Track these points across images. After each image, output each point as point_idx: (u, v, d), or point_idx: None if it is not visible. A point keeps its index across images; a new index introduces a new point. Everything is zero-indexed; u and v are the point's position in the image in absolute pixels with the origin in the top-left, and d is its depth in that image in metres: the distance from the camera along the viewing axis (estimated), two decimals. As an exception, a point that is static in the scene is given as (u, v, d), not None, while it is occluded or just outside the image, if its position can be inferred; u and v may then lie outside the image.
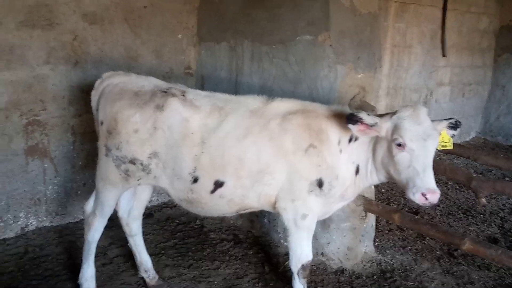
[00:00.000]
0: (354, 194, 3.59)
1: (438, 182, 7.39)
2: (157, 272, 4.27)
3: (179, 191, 3.47)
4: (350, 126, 3.12)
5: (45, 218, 4.97)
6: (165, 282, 4.14)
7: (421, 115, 3.08)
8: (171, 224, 5.31)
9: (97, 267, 4.29)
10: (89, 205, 3.78)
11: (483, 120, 10.73)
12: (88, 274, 3.86)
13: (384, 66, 8.00)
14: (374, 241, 5.19)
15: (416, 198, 3.01)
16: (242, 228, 5.31)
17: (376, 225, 5.43)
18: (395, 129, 3.09)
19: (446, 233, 3.98)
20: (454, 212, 6.28)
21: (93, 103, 3.66)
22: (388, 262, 4.84)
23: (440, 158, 4.11)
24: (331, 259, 4.66)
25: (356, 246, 4.75)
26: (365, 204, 4.66)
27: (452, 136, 3.33)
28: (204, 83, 5.79)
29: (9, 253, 4.51)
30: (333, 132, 3.34)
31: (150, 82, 3.61)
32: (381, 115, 3.24)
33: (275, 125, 3.35)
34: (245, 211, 3.67)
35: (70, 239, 4.81)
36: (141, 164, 3.45)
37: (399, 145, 3.06)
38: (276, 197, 3.41)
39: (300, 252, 3.49)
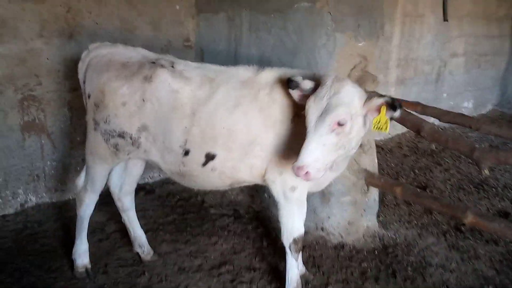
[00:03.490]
0: (343, 165, 3.44)
1: (450, 155, 7.19)
2: (154, 247, 4.23)
3: (170, 164, 3.39)
4: (291, 91, 2.99)
5: (44, 195, 4.95)
6: (160, 258, 4.10)
7: (333, 87, 2.85)
8: (171, 199, 5.25)
9: (93, 242, 4.30)
10: (80, 180, 3.73)
11: (500, 92, 10.39)
12: (81, 249, 3.83)
13: (394, 37, 7.73)
14: (378, 215, 5.06)
15: (292, 168, 2.82)
16: (242, 203, 5.22)
17: (382, 200, 5.30)
18: None
19: (449, 206, 3.84)
20: (465, 186, 6.09)
21: (80, 76, 3.56)
22: (391, 237, 4.71)
23: (442, 129, 3.93)
24: (331, 234, 4.55)
25: (357, 221, 4.63)
26: (367, 177, 4.52)
27: (391, 119, 3.01)
28: (203, 55, 5.65)
29: (8, 229, 4.50)
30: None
31: (138, 53, 3.50)
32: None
33: (264, 95, 3.22)
34: (240, 185, 3.58)
35: (69, 215, 4.77)
36: (130, 138, 3.37)
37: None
38: (265, 170, 3.30)
39: (291, 225, 3.39)
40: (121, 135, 3.37)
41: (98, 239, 4.37)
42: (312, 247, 4.41)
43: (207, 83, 3.29)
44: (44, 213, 4.81)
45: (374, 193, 4.78)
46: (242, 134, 3.22)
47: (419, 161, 7.03)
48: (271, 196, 3.34)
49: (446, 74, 8.94)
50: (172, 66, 3.35)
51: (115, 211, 4.72)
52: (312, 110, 2.83)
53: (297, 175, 2.77)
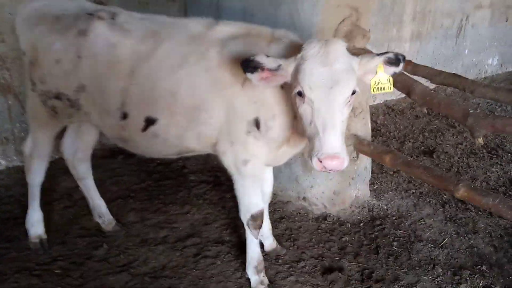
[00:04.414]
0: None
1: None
2: (121, 216, 3.97)
3: (110, 128, 3.07)
4: (249, 75, 2.52)
5: (14, 158, 4.70)
6: (123, 228, 3.83)
7: (332, 53, 2.42)
8: (150, 164, 4.93)
9: (59, 209, 4.10)
10: (27, 146, 3.43)
11: (530, 48, 9.57)
12: (34, 218, 3.58)
13: (409, -14, 7.07)
14: (373, 183, 4.66)
15: (313, 163, 2.41)
16: (225, 170, 4.84)
17: (381, 166, 4.87)
18: (296, 72, 2.48)
19: (440, 178, 3.38)
20: (477, 151, 5.56)
21: (17, 31, 3.20)
22: (382, 207, 4.31)
23: (434, 91, 3.45)
24: (313, 204, 4.18)
25: (344, 190, 4.23)
26: (356, 143, 4.10)
27: (393, 74, 2.63)
28: (186, 9, 5.21)
29: None
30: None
31: (76, 5, 3.10)
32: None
33: (214, 54, 2.81)
34: (191, 154, 3.23)
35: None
36: (68, 100, 3.03)
37: (299, 94, 2.46)
38: (216, 139, 2.93)
39: (248, 201, 3.03)
40: (58, 97, 3.04)
41: (64, 206, 4.13)
42: (292, 218, 4.07)
43: (150, 37, 2.89)
44: (14, 177, 4.57)
45: (366, 160, 4.35)
46: (186, 97, 2.83)
47: (431, 123, 6.49)
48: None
49: (469, 28, 8.19)
50: (113, 18, 2.95)
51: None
52: (317, 84, 2.39)
53: (328, 167, 2.36)
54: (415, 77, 3.56)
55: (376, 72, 2.59)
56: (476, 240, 3.85)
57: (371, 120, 6.51)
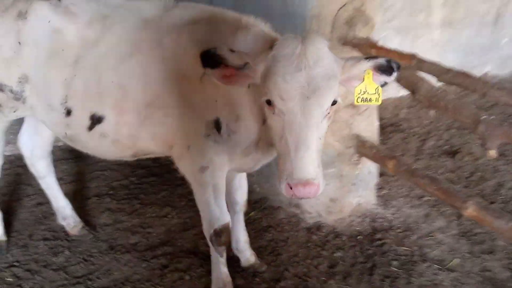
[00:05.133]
0: None
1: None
2: (92, 217, 3.64)
3: (55, 126, 2.73)
4: (209, 71, 2.08)
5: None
6: (90, 232, 3.48)
7: (310, 54, 1.96)
8: (138, 158, 4.56)
9: (30, 206, 3.85)
10: None
11: None
12: None
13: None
14: (381, 188, 4.15)
15: (282, 189, 1.99)
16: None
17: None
18: (266, 76, 2.02)
19: (446, 192, 2.90)
20: (507, 153, 4.93)
21: None
22: (387, 217, 3.80)
23: (444, 90, 2.92)
24: (307, 212, 3.71)
25: (342, 197, 3.75)
26: (358, 145, 3.61)
27: (383, 85, 2.13)
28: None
29: None
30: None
31: None
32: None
33: (170, 41, 2.39)
34: (149, 156, 2.83)
35: (18, 172, 4.27)
36: (11, 91, 2.70)
37: (268, 102, 2.01)
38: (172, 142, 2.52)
39: (209, 215, 2.60)
40: (0, 88, 2.69)
41: (36, 203, 3.83)
42: (280, 228, 3.62)
43: (99, 21, 2.52)
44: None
45: (370, 164, 3.84)
46: (137, 92, 2.44)
47: (459, 118, 5.85)
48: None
49: (508, 15, 7.44)
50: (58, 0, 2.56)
51: (69, 170, 4.19)
52: (291, 93, 1.93)
53: (300, 195, 1.95)
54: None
55: (363, 79, 2.10)
56: (492, 262, 3.30)
57: (393, 114, 6.03)
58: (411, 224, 3.71)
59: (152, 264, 3.21)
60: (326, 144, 3.48)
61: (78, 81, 2.51)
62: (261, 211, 3.75)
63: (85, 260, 3.23)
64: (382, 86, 2.12)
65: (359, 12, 3.43)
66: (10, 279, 3.07)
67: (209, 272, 3.11)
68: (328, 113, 2.01)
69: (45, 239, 3.44)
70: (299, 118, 1.93)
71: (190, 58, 2.31)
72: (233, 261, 3.16)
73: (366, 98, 2.13)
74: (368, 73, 2.08)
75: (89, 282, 3.05)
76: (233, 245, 3.15)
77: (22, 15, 2.56)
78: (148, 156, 2.86)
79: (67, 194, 3.83)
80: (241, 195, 3.04)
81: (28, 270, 3.14)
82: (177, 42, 2.38)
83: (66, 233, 3.47)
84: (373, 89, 2.12)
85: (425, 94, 2.89)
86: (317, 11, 3.33)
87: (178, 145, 2.51)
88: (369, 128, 3.74)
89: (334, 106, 2.02)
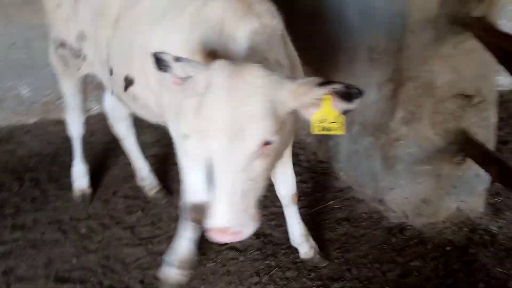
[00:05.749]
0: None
1: None
2: (173, 183, 3.63)
3: (107, 83, 2.82)
4: (162, 74, 1.84)
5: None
6: (166, 196, 3.51)
7: (241, 88, 1.66)
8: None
9: (122, 165, 3.95)
10: None
11: None
12: (77, 172, 3.54)
13: None
14: (495, 195, 3.53)
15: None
16: (307, 148, 4.14)
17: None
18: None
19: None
20: None
21: None
22: (491, 230, 3.22)
23: None
24: (391, 211, 3.31)
25: (438, 199, 3.27)
26: (463, 142, 3.10)
27: (345, 113, 1.71)
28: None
29: (59, 135, 4.28)
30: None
31: None
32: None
33: (192, 11, 2.20)
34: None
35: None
36: (71, 49, 2.85)
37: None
38: None
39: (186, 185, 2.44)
40: (63, 45, 2.89)
41: (126, 162, 3.97)
42: (357, 223, 3.28)
43: None
44: (102, 124, 4.56)
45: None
46: None
47: None
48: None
49: None
50: None
51: (165, 132, 4.28)
52: (213, 133, 1.67)
53: (216, 240, 1.73)
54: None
55: (321, 106, 1.73)
56: None
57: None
58: (520, 241, 3.11)
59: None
60: (422, 138, 3.09)
61: (116, 41, 2.53)
62: (342, 201, 3.44)
63: (153, 224, 3.29)
64: (344, 114, 1.73)
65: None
66: (83, 231, 3.25)
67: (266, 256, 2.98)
68: (260, 155, 1.69)
69: (126, 197, 3.57)
70: (221, 161, 1.66)
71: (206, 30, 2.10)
72: (291, 251, 2.97)
73: (325, 127, 1.76)
74: (326, 100, 1.70)
75: (150, 246, 3.10)
76: (290, 237, 2.95)
77: None
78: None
79: (160, 155, 3.96)
80: (287, 189, 2.79)
81: (101, 224, 3.29)
82: (199, 14, 2.15)
83: (144, 194, 3.56)
84: (333, 117, 1.74)
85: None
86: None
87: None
88: (481, 123, 3.18)
89: (273, 145, 1.70)
